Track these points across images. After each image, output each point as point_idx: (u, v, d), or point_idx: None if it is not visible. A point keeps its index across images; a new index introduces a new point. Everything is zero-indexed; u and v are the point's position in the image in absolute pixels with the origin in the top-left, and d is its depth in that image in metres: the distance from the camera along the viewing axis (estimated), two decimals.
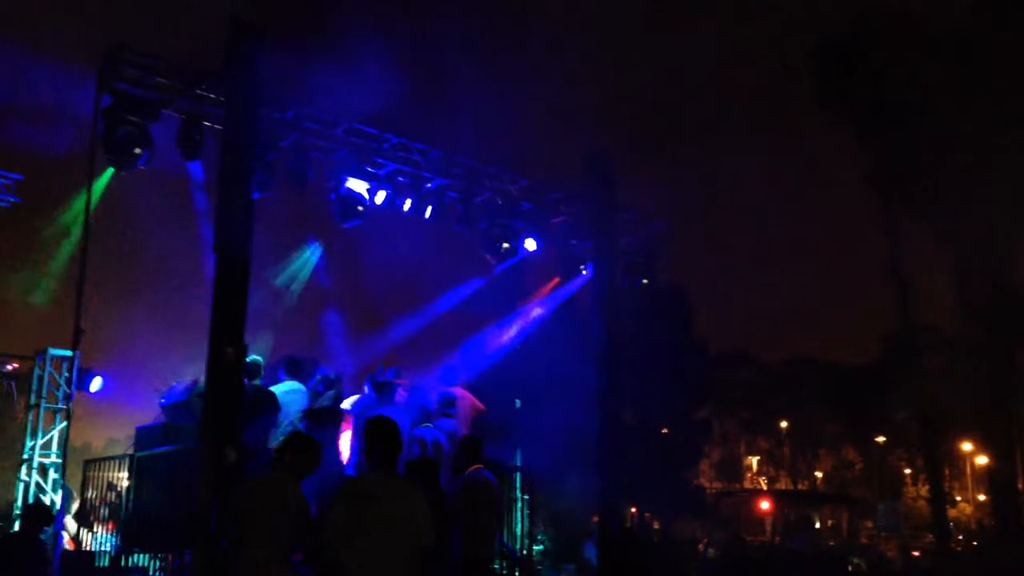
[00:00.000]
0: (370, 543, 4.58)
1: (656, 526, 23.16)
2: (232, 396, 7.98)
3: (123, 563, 9.04)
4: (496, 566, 9.36)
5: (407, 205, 12.07)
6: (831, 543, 29.35)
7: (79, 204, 10.02)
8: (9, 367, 12.42)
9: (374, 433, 4.96)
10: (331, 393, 9.48)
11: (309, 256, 15.26)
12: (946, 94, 25.41)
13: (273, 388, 8.96)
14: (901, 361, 32.26)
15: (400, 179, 12.06)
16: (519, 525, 11.52)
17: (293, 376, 9.22)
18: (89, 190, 9.44)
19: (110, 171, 10.10)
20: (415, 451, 9.01)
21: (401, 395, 9.86)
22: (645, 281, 14.35)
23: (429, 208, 12.22)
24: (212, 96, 10.14)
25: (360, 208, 11.75)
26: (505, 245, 13.22)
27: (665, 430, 28.70)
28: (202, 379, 8.33)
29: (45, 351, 11.11)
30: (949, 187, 25.69)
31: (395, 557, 4.61)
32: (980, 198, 25.25)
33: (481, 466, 8.02)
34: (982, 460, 37.46)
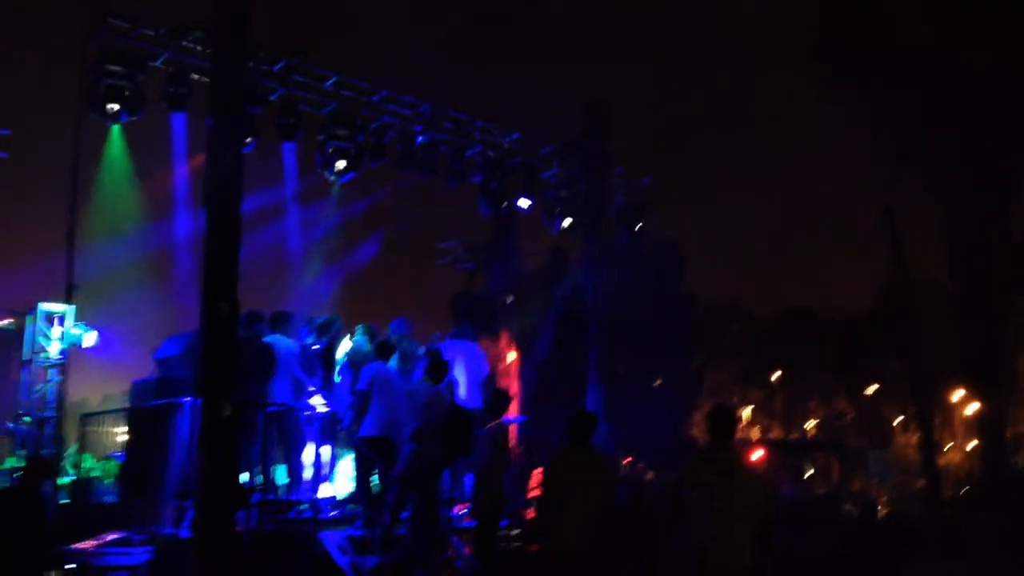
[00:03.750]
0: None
1: (650, 476, 23.44)
2: (227, 350, 8.02)
3: (123, 514, 9.14)
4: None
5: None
6: (822, 490, 29.76)
7: (67, 157, 9.94)
8: (2, 322, 12.38)
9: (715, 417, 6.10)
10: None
11: None
12: (944, 43, 25.18)
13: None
14: (895, 311, 32.40)
15: (391, 133, 11.96)
16: None
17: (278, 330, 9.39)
18: (76, 143, 9.38)
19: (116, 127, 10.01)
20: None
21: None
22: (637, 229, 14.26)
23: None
24: (199, 49, 10.04)
25: (352, 160, 11.58)
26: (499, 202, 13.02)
27: (659, 381, 28.99)
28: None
29: (37, 305, 11.09)
30: (946, 137, 25.58)
31: None
32: (977, 148, 25.18)
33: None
34: (971, 409, 37.83)
